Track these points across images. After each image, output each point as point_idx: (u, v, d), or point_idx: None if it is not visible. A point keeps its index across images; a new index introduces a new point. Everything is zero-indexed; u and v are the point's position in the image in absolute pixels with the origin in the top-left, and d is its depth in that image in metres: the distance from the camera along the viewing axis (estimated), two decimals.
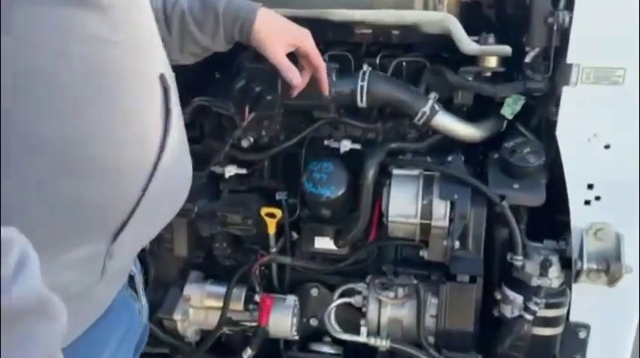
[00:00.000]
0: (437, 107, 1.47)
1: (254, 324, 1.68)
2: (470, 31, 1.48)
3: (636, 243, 1.45)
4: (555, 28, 1.37)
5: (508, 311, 1.50)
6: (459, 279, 1.50)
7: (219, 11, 1.16)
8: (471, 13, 1.82)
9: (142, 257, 1.78)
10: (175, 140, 0.77)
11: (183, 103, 1.59)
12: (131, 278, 0.95)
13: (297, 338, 1.75)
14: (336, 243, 1.61)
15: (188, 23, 1.15)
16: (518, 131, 1.59)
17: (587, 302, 1.52)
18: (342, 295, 1.71)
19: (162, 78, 0.75)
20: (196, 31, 1.16)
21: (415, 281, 1.55)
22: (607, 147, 1.41)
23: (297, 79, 1.29)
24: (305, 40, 1.28)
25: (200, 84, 1.72)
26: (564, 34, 1.38)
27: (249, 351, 1.67)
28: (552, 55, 1.39)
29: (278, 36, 1.23)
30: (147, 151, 0.72)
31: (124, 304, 0.91)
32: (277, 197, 1.68)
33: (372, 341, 1.58)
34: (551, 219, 1.60)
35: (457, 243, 1.45)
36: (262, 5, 1.24)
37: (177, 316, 1.70)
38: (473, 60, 1.51)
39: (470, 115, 1.60)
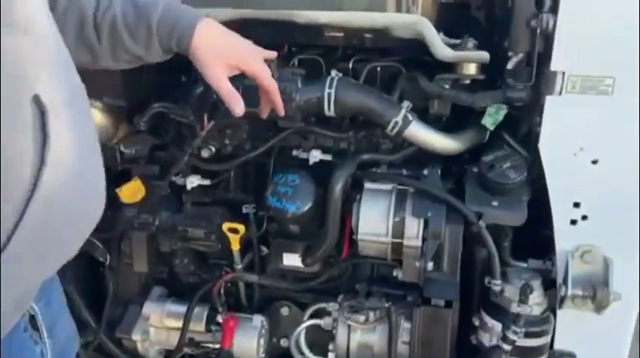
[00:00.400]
0: (410, 117, 1.35)
1: (217, 346, 1.58)
2: (455, 34, 1.38)
3: (635, 269, 1.34)
4: (538, 32, 1.25)
5: (486, 340, 1.39)
6: (434, 303, 1.39)
7: (153, 21, 1.02)
8: (458, 14, 1.72)
9: (101, 271, 1.69)
10: (62, 168, 0.67)
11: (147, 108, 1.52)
12: (32, 317, 0.85)
13: None
14: (303, 261, 1.50)
15: (119, 31, 1.02)
16: (505, 142, 1.47)
17: (573, 329, 1.40)
18: (313, 315, 1.60)
19: (36, 100, 0.64)
20: (128, 40, 1.03)
21: (387, 304, 1.44)
22: (595, 162, 1.29)
23: (238, 108, 1.11)
24: (250, 64, 1.12)
25: (167, 87, 1.63)
26: (549, 38, 1.26)
27: None
28: (535, 62, 1.27)
29: (219, 56, 1.08)
30: (12, 183, 0.62)
31: (21, 348, 0.81)
32: (244, 210, 1.57)
33: None
34: (538, 235, 1.48)
35: (431, 264, 1.34)
36: (208, 16, 1.10)
37: (136, 336, 1.60)
38: (452, 66, 1.40)
39: (449, 125, 1.49)
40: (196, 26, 1.04)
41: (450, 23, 1.52)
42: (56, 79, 0.70)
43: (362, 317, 1.46)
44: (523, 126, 1.46)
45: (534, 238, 1.46)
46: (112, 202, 1.69)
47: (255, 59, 1.14)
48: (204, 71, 1.09)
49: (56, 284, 0.97)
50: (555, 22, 1.23)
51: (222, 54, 1.09)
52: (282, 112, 1.22)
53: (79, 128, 0.74)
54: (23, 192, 0.63)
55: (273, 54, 1.20)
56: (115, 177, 1.74)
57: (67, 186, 0.69)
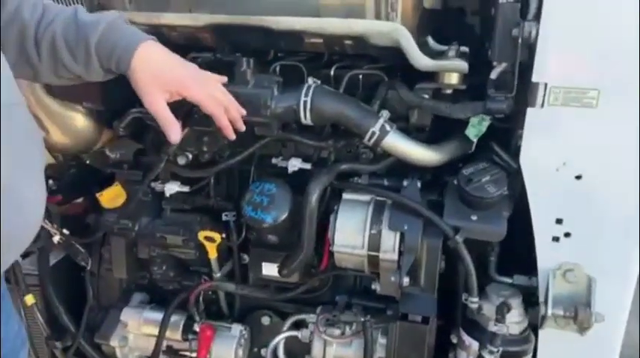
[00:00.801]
0: (388, 127, 1.31)
1: (194, 355, 1.56)
2: (448, 40, 1.33)
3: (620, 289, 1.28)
4: (520, 41, 1.20)
5: (464, 357, 1.34)
6: (411, 318, 1.35)
7: (92, 42, 1.01)
8: (454, 20, 1.67)
9: (82, 276, 1.68)
10: None
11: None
12: None
13: None
14: (279, 272, 1.47)
15: (59, 49, 1.00)
16: (494, 153, 1.42)
17: (555, 349, 1.35)
18: (294, 325, 1.58)
19: None
20: (68, 58, 1.01)
21: (362, 318, 1.40)
22: (578, 177, 1.23)
23: (174, 135, 1.10)
24: (190, 90, 1.10)
25: None
26: (532, 48, 1.21)
27: None
28: (516, 72, 1.22)
29: (157, 81, 1.05)
30: None
31: None
32: (224, 218, 1.55)
33: None
34: (528, 250, 1.43)
35: (407, 279, 1.30)
36: (151, 38, 1.08)
37: (114, 342, 1.59)
38: (434, 76, 1.35)
39: (435, 136, 1.44)
40: (136, 49, 1.03)
41: (445, 29, 1.48)
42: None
43: (337, 331, 1.43)
44: (514, 138, 1.41)
45: (525, 253, 1.42)
46: (95, 206, 1.69)
47: (197, 84, 1.11)
48: (141, 95, 1.07)
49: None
50: (538, 30, 1.18)
51: (161, 79, 1.07)
52: (231, 137, 1.21)
53: (11, 149, 0.72)
54: None
55: (222, 79, 1.18)
56: (102, 180, 1.75)
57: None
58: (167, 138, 1.11)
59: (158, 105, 1.08)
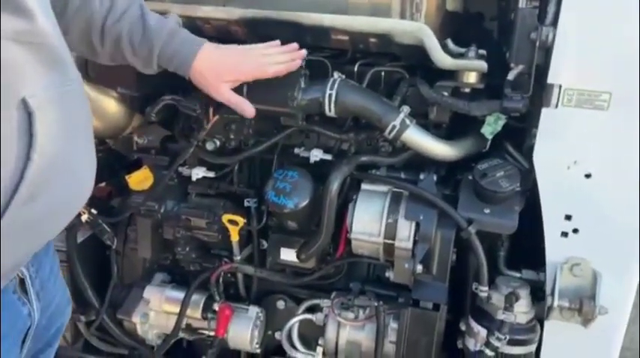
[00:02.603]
0: (408, 121, 1.38)
1: (213, 333, 1.63)
2: (467, 44, 1.40)
3: (624, 284, 1.34)
4: (537, 44, 1.26)
5: (472, 344, 1.41)
6: (422, 305, 1.41)
7: (156, 47, 1.17)
8: (473, 24, 1.74)
9: (108, 254, 1.76)
10: (47, 162, 0.72)
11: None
12: (22, 281, 0.91)
13: (258, 351, 1.69)
14: (298, 256, 1.54)
15: (123, 45, 1.15)
16: (506, 152, 1.49)
17: (560, 341, 1.41)
18: (308, 310, 1.64)
19: (24, 103, 0.70)
20: (129, 54, 1.17)
21: (376, 303, 1.46)
22: (588, 176, 1.30)
23: (249, 111, 1.32)
24: (244, 74, 1.30)
25: (180, 80, 1.69)
26: (548, 51, 1.27)
27: None
28: (533, 73, 1.29)
29: (219, 77, 1.26)
30: None
31: (8, 307, 0.88)
32: (246, 203, 1.62)
33: None
34: (537, 246, 1.49)
35: (420, 267, 1.36)
36: (204, 41, 1.25)
37: (135, 318, 1.66)
38: (454, 75, 1.42)
39: (453, 132, 1.51)
40: (195, 57, 1.21)
41: (464, 33, 1.55)
42: (46, 79, 0.75)
43: (351, 315, 1.49)
44: (527, 138, 1.47)
45: (532, 249, 1.48)
46: (122, 189, 1.76)
47: (249, 65, 1.30)
48: (208, 91, 1.28)
49: (49, 255, 1.03)
50: (555, 35, 1.24)
51: (221, 75, 1.27)
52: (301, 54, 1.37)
53: (68, 121, 0.79)
54: (9, 185, 0.69)
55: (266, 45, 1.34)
56: (127, 165, 1.82)
57: (52, 180, 0.75)
58: (243, 115, 1.33)
59: (226, 94, 1.29)
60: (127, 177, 1.64)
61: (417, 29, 1.29)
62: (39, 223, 0.77)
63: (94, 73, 1.56)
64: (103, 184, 1.93)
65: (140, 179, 1.63)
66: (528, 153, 1.46)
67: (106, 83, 1.56)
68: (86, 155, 0.87)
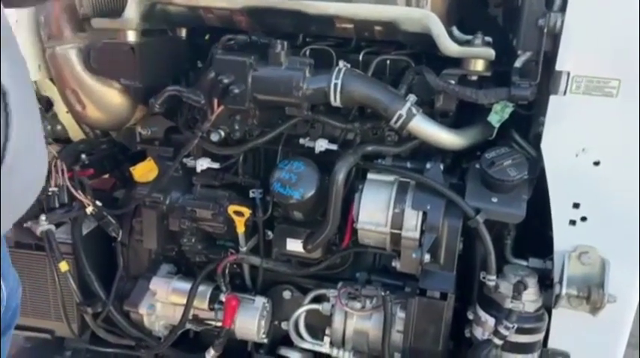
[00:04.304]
0: (414, 110, 1.37)
1: (219, 324, 1.63)
2: (471, 30, 1.38)
3: (633, 272, 1.33)
4: (546, 31, 1.25)
5: (479, 333, 1.41)
6: (429, 294, 1.41)
7: None
8: (478, 11, 1.72)
9: (113, 246, 1.76)
10: (19, 142, 0.72)
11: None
12: None
13: (265, 341, 1.70)
14: (304, 247, 1.53)
15: None
16: (513, 140, 1.47)
17: (567, 329, 1.41)
18: (314, 300, 1.64)
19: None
20: None
21: (382, 293, 1.46)
22: (596, 163, 1.29)
23: None
24: None
25: (187, 72, 1.68)
26: (557, 38, 1.26)
27: (212, 352, 1.62)
28: (541, 60, 1.27)
29: None
30: None
31: None
32: (251, 194, 1.61)
33: (334, 352, 1.50)
34: (544, 234, 1.49)
35: (427, 256, 1.36)
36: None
37: (142, 310, 1.66)
38: (461, 62, 1.40)
39: (460, 121, 1.49)
40: None
41: (468, 20, 1.53)
42: (7, 59, 0.75)
43: (358, 304, 1.49)
44: (534, 125, 1.46)
45: (541, 237, 1.47)
46: (126, 180, 1.76)
47: None
48: None
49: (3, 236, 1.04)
50: (563, 21, 1.23)
51: None
52: None
53: (31, 102, 0.79)
54: None
55: None
56: (131, 157, 1.81)
57: (23, 157, 0.75)
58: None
59: None
60: (131, 169, 1.63)
61: (424, 16, 1.28)
62: (15, 196, 0.77)
63: (96, 64, 1.55)
64: (106, 176, 1.94)
65: (145, 171, 1.62)
66: (536, 141, 1.45)
67: (108, 74, 1.55)
68: (42, 138, 0.87)
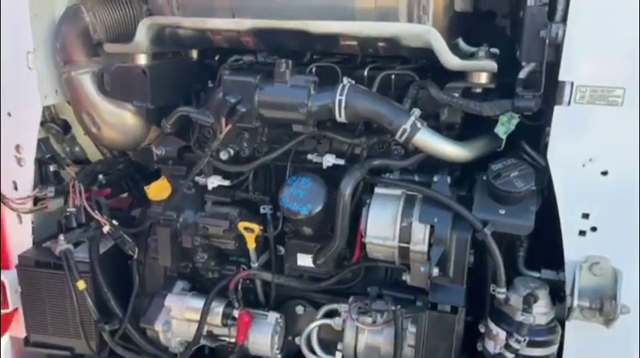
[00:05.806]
0: (419, 124, 1.37)
1: (233, 340, 1.64)
2: (480, 43, 1.39)
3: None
4: (547, 41, 1.25)
5: (491, 347, 1.39)
6: (440, 308, 1.40)
7: None
8: (483, 23, 1.72)
9: (129, 264, 1.79)
10: None
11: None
12: None
13: (279, 357, 1.70)
14: (314, 262, 1.54)
15: None
16: (523, 151, 1.47)
17: (581, 341, 1.38)
18: (327, 315, 1.65)
19: None
20: None
21: (393, 307, 1.46)
22: (604, 173, 1.27)
23: None
24: None
25: (199, 92, 1.71)
26: (559, 48, 1.26)
27: None
28: (544, 71, 1.27)
29: None
30: None
31: None
32: (262, 210, 1.64)
33: None
34: (557, 245, 1.47)
35: (436, 270, 1.35)
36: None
37: (158, 327, 1.69)
38: (465, 75, 1.41)
39: (466, 133, 1.50)
40: None
41: (476, 32, 1.54)
42: None
43: (369, 319, 1.49)
44: (543, 136, 1.45)
45: (554, 248, 1.46)
46: (142, 199, 1.80)
47: None
48: None
49: None
50: (565, 32, 1.22)
51: None
52: None
53: None
54: None
55: None
56: (148, 176, 1.86)
57: None
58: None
59: None
60: (145, 188, 1.67)
61: (425, 32, 1.29)
62: None
63: (109, 87, 1.60)
64: (125, 195, 1.98)
65: (159, 189, 1.66)
66: (545, 152, 1.44)
67: (121, 97, 1.60)
68: None
